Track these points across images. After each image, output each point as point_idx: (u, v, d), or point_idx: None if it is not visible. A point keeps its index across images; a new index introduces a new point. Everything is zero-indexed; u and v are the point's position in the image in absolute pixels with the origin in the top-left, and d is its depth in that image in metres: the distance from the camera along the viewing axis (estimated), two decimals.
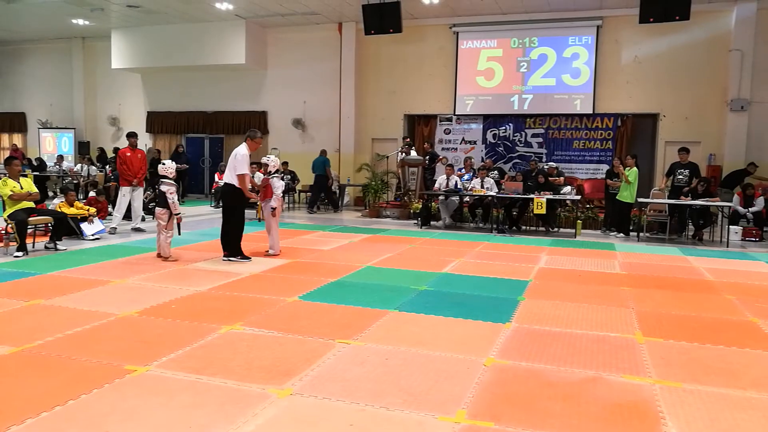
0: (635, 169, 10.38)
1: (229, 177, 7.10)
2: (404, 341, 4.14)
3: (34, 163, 16.42)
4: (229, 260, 7.07)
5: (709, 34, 12.82)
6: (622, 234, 10.49)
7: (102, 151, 17.29)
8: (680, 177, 10.55)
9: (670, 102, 13.23)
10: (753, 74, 12.44)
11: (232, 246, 7.15)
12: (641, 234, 10.44)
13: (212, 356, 3.77)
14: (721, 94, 12.79)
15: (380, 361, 3.73)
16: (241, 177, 6.99)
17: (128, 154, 9.74)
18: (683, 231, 10.58)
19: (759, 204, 10.64)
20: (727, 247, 9.46)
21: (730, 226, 10.11)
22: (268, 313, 4.80)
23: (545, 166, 12.53)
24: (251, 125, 16.62)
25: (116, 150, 11.40)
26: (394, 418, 2.94)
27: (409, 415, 2.97)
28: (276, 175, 7.62)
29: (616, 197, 10.48)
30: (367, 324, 4.52)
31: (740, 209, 10.66)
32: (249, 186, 7.17)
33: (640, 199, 10.51)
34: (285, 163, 14.92)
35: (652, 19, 11.04)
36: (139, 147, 10.25)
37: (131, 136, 10.00)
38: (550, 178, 11.33)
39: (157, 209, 7.27)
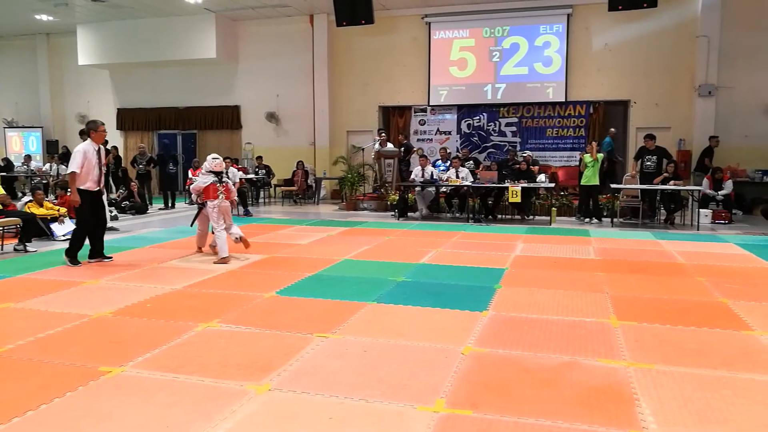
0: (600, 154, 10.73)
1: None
2: (382, 333, 4.14)
3: (1, 164, 16.04)
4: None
5: (676, 20, 13.00)
6: (596, 220, 10.64)
7: (67, 149, 16.94)
8: (648, 163, 10.72)
9: (640, 89, 13.41)
10: (719, 60, 12.64)
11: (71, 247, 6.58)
12: (615, 219, 10.60)
13: (189, 354, 3.72)
14: (689, 80, 12.99)
15: (359, 354, 3.73)
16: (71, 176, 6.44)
17: None
18: (655, 216, 10.78)
19: (728, 187, 10.88)
20: (698, 230, 9.66)
21: (700, 210, 10.32)
22: (245, 310, 4.76)
23: (521, 156, 12.56)
24: (224, 120, 16.49)
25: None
26: (373, 410, 2.95)
27: (388, 406, 2.98)
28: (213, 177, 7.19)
29: (582, 183, 10.77)
30: (345, 317, 4.52)
31: (710, 192, 10.87)
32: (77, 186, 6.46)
33: (613, 186, 10.66)
34: (259, 158, 14.82)
35: (621, 7, 11.16)
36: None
37: None
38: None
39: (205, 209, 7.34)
